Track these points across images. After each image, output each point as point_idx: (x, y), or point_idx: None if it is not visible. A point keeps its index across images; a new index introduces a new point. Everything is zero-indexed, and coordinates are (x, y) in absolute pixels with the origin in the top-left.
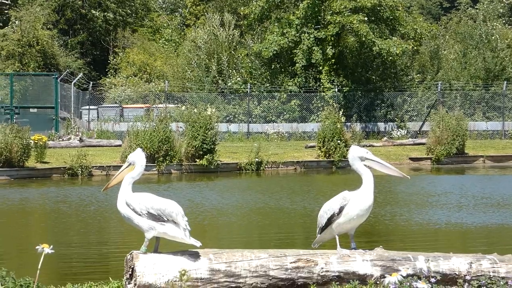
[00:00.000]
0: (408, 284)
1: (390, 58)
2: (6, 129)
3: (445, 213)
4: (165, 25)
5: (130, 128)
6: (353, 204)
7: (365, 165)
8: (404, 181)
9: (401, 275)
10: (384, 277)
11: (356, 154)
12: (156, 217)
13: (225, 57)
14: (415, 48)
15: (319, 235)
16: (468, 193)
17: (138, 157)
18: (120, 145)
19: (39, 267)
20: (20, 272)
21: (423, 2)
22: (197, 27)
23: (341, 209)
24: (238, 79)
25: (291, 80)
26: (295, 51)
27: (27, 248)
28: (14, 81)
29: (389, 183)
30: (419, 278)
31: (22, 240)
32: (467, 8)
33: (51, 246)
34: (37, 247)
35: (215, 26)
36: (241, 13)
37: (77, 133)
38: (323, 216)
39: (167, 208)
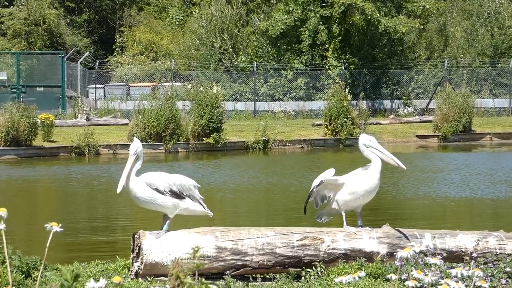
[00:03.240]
0: (414, 261)
1: (397, 36)
2: (13, 108)
3: (452, 190)
4: (171, 4)
5: (137, 106)
6: (360, 182)
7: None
8: (411, 159)
9: (414, 251)
10: (393, 254)
11: (361, 141)
12: (177, 194)
13: (231, 35)
14: (422, 26)
15: (323, 210)
16: (475, 170)
17: (141, 147)
18: (127, 124)
19: (47, 245)
20: (28, 251)
21: None
22: (204, 5)
23: (321, 183)
24: (244, 58)
25: (297, 58)
26: (301, 29)
27: (34, 227)
28: (20, 60)
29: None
30: (425, 255)
31: (29, 218)
32: None
33: (60, 225)
34: (46, 225)
35: (221, 3)
36: None
37: (84, 111)
38: (313, 182)
39: (187, 182)
